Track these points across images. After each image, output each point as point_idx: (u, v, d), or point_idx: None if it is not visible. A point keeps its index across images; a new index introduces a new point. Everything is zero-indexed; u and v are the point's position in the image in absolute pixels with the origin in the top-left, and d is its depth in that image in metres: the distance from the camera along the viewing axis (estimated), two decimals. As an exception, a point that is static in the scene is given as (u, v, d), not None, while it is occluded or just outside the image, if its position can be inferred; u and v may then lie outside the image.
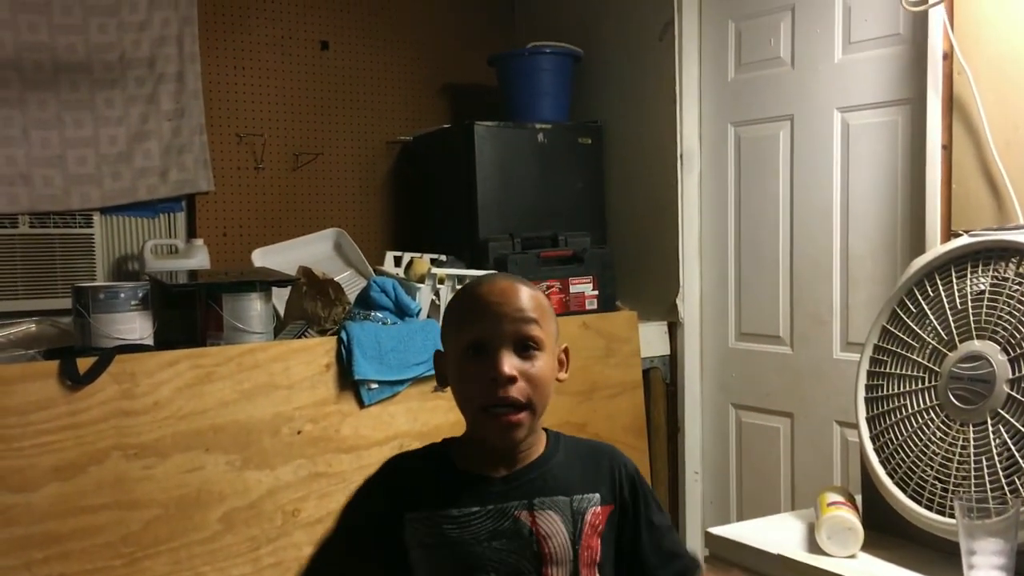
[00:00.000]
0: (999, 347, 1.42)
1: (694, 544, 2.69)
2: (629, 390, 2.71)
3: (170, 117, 2.78)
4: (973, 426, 1.43)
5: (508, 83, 3.07)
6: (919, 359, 1.54)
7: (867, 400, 1.61)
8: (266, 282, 2.31)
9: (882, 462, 1.56)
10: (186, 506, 2.03)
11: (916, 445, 1.51)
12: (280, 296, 2.46)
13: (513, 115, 3.00)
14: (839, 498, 1.61)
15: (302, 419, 2.17)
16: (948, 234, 2.06)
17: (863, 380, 1.63)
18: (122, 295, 2.11)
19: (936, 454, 1.47)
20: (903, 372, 1.56)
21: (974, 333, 1.46)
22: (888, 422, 1.56)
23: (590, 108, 3.11)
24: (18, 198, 2.57)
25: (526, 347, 1.15)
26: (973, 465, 1.41)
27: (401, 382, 2.29)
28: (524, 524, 1.16)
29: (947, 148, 2.08)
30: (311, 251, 2.81)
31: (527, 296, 1.18)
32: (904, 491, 1.51)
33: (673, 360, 2.86)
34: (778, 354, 2.62)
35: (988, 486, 1.38)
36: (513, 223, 2.81)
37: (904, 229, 2.28)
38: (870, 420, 1.60)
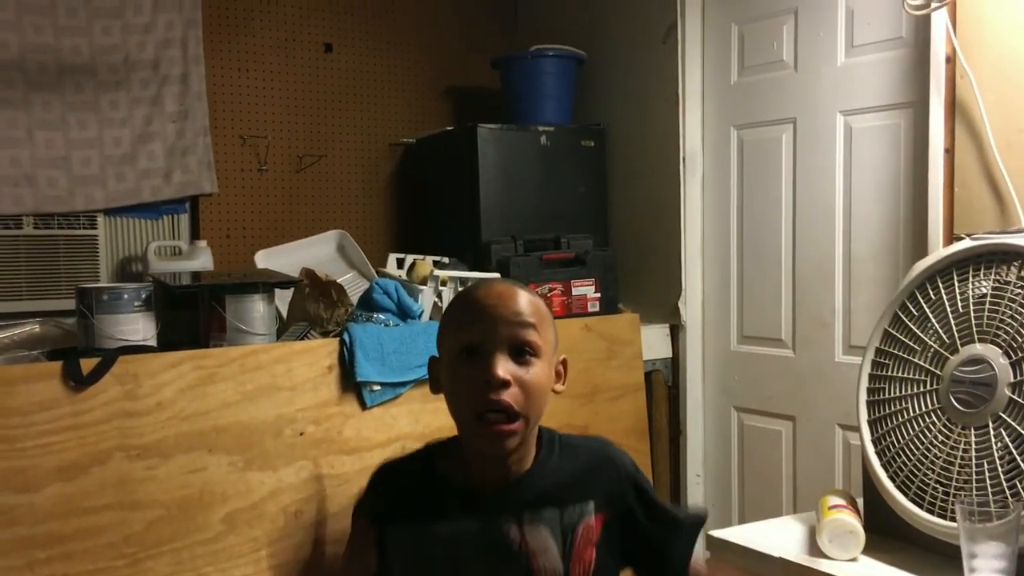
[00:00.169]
0: (1001, 351, 1.42)
1: (696, 547, 2.68)
2: (631, 392, 2.71)
3: (174, 119, 2.79)
4: (975, 429, 1.43)
5: (511, 86, 3.08)
6: (921, 362, 1.54)
7: (869, 403, 1.61)
8: (269, 284, 2.31)
9: (884, 465, 1.56)
10: (188, 507, 2.04)
11: (918, 448, 1.51)
12: (283, 298, 2.46)
13: (516, 118, 3.01)
14: (840, 501, 1.61)
15: (304, 420, 2.18)
16: (950, 237, 2.06)
17: (865, 383, 1.63)
18: (125, 296, 2.12)
19: (938, 457, 1.47)
20: (905, 375, 1.56)
21: (976, 337, 1.47)
22: (890, 425, 1.56)
23: (593, 111, 3.11)
24: (23, 199, 2.58)
25: (522, 352, 1.12)
26: (975, 468, 1.41)
27: (403, 384, 2.29)
28: (513, 541, 1.13)
29: (949, 151, 2.08)
30: (314, 253, 2.82)
31: (525, 301, 1.15)
32: (905, 494, 1.51)
33: (675, 363, 2.87)
34: (780, 357, 2.62)
35: (989, 489, 1.38)
36: (516, 225, 2.82)
37: (906, 232, 2.28)
38: (872, 423, 1.60)
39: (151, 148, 2.76)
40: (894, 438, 1.55)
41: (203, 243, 2.76)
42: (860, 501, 1.65)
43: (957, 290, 1.52)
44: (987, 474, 1.39)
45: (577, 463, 1.21)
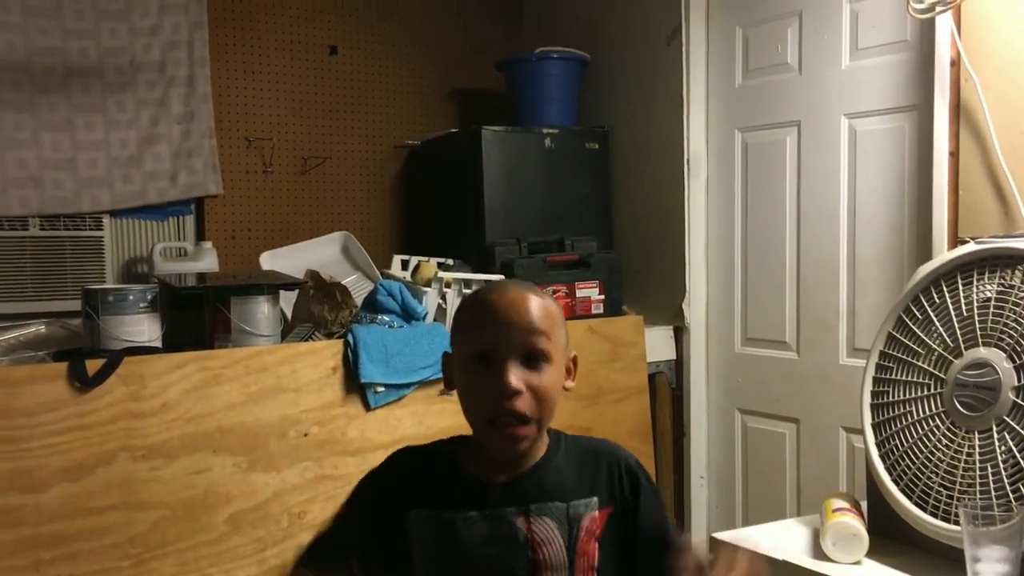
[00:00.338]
0: (1005, 354, 1.42)
1: (699, 549, 2.68)
2: (635, 394, 2.71)
3: (180, 121, 2.80)
4: (978, 433, 1.43)
5: (516, 88, 3.08)
6: (925, 366, 1.54)
7: (873, 406, 1.61)
8: (274, 285, 2.32)
9: (888, 468, 1.56)
10: (193, 507, 2.04)
11: (922, 452, 1.51)
12: (287, 299, 2.47)
13: (520, 120, 3.01)
14: (844, 504, 1.61)
15: (308, 422, 2.18)
16: (955, 241, 2.06)
17: (869, 386, 1.63)
18: (131, 297, 2.12)
19: (941, 461, 1.47)
20: (909, 379, 1.56)
21: (980, 340, 1.47)
22: (894, 428, 1.56)
23: (597, 113, 3.11)
24: (29, 201, 2.59)
25: (534, 359, 1.15)
26: (978, 472, 1.41)
27: (407, 385, 2.29)
28: (520, 530, 1.17)
29: (954, 155, 2.07)
30: (318, 254, 2.82)
31: (537, 307, 1.17)
32: (909, 497, 1.51)
33: (679, 365, 2.87)
34: (784, 359, 2.62)
35: (993, 493, 1.38)
36: (520, 227, 2.82)
37: (911, 235, 2.28)
38: (876, 426, 1.60)
39: (157, 150, 2.77)
40: (898, 441, 1.55)
41: (208, 244, 2.77)
42: (864, 504, 1.65)
43: (961, 294, 1.52)
44: (991, 478, 1.39)
45: (583, 460, 1.24)
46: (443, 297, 2.48)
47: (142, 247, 2.80)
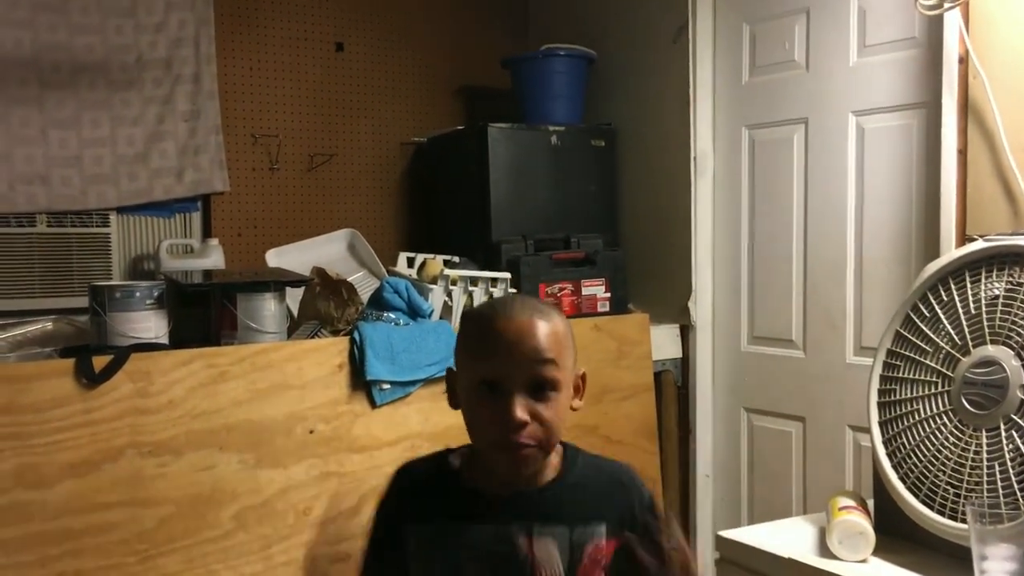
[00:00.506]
0: (1013, 352, 1.42)
1: (704, 547, 2.68)
2: (640, 393, 2.71)
3: (186, 118, 2.81)
4: (986, 431, 1.43)
5: (522, 85, 3.08)
6: (932, 364, 1.54)
7: (880, 404, 1.61)
8: (280, 282, 2.32)
9: (894, 466, 1.56)
10: (199, 504, 2.05)
11: (929, 450, 1.50)
12: (294, 296, 2.47)
13: (527, 117, 3.01)
14: (851, 502, 1.60)
15: (315, 419, 2.19)
16: (963, 239, 2.05)
17: (876, 384, 1.62)
18: (138, 294, 2.13)
19: (949, 459, 1.47)
20: (916, 377, 1.56)
21: (988, 338, 1.46)
22: (901, 427, 1.56)
23: (603, 110, 3.11)
24: (36, 197, 2.60)
25: (541, 389, 1.13)
26: (986, 470, 1.41)
27: (413, 383, 2.29)
28: (521, 549, 1.15)
29: (962, 152, 2.07)
30: (325, 251, 2.83)
31: (545, 333, 1.14)
32: (916, 496, 1.51)
33: (685, 363, 2.86)
34: (790, 358, 2.62)
35: (1000, 491, 1.38)
36: (526, 225, 2.82)
37: (919, 233, 2.27)
38: (883, 424, 1.60)
39: (163, 147, 2.77)
40: (905, 440, 1.55)
41: (215, 241, 2.78)
42: (870, 502, 1.65)
43: (969, 291, 1.51)
44: (998, 476, 1.39)
45: (596, 484, 1.21)
46: (449, 295, 2.48)
47: (149, 244, 2.80)
